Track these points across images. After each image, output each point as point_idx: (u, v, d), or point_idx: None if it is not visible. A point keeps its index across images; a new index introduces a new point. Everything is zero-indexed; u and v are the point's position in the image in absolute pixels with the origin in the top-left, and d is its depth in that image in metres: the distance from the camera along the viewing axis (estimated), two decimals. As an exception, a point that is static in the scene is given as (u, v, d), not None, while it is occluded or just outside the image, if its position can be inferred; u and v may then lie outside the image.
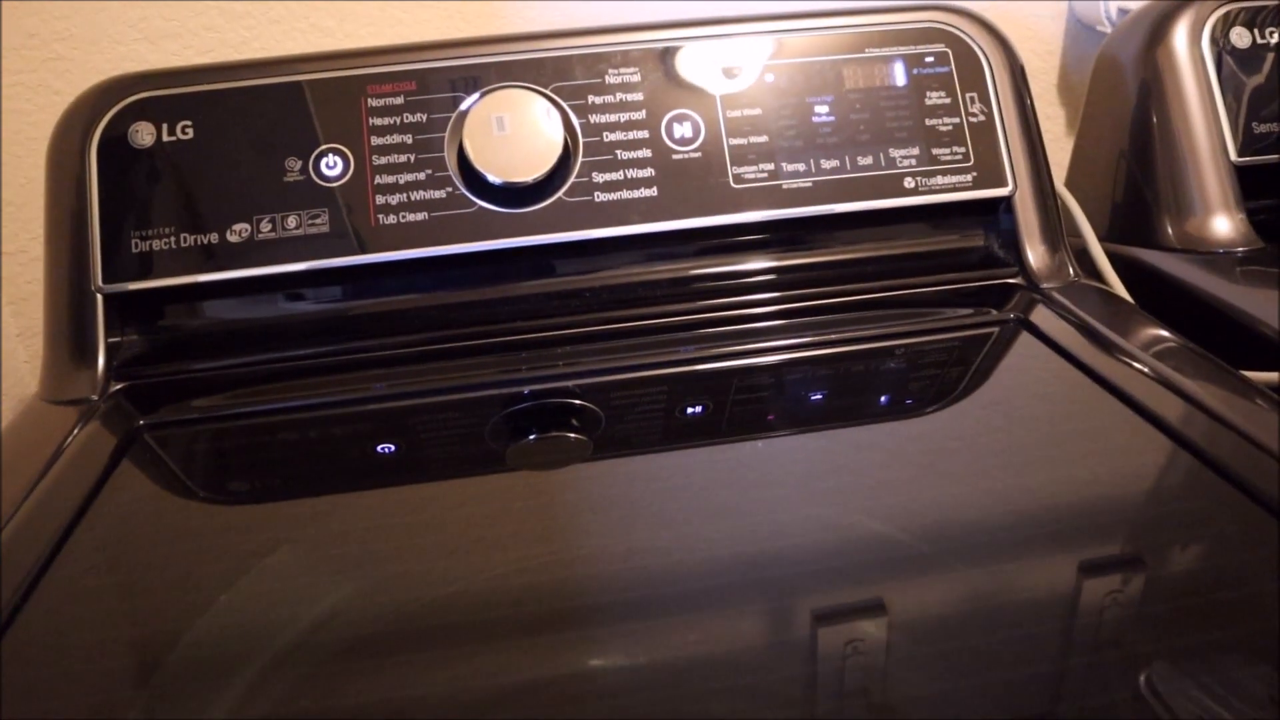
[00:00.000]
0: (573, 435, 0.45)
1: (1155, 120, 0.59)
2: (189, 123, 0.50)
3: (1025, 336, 0.48)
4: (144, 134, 0.50)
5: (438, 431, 0.47)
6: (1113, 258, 0.60)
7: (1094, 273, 0.57)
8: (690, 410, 0.45)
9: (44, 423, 0.46)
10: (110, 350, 0.49)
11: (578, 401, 0.47)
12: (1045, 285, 0.52)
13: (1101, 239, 0.63)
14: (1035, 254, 0.53)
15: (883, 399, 0.45)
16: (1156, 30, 0.59)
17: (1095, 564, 0.33)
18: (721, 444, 0.43)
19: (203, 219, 0.49)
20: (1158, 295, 0.57)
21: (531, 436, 0.45)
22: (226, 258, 0.49)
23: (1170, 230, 0.59)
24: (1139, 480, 0.37)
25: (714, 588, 0.34)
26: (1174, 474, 0.38)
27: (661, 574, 0.35)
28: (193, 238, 0.49)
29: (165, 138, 0.50)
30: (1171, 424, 0.39)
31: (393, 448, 0.46)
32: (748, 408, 0.46)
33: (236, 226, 0.49)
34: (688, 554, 0.36)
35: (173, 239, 0.49)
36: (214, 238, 0.49)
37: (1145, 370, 0.43)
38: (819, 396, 0.47)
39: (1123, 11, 0.65)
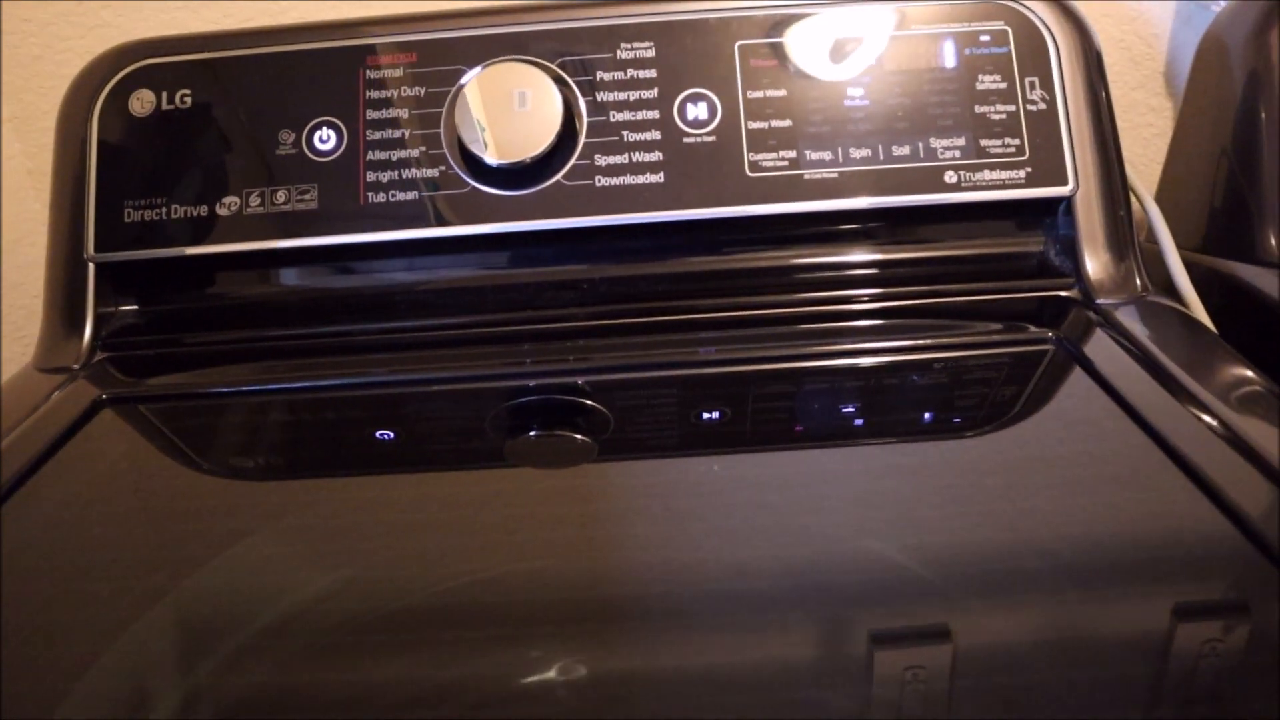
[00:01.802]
0: (578, 436, 0.42)
1: (1263, 115, 0.51)
2: (188, 91, 0.49)
3: (1066, 363, 0.41)
4: (144, 102, 0.49)
5: (420, 422, 0.44)
6: (1205, 271, 0.52)
7: (1174, 288, 0.49)
8: (703, 416, 0.42)
9: (25, 390, 0.46)
10: (99, 320, 0.49)
11: (581, 399, 0.44)
12: (1104, 301, 0.45)
13: (1194, 249, 0.55)
14: (1096, 263, 0.46)
15: (874, 424, 0.39)
16: (1271, 11, 0.51)
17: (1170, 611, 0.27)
18: (693, 458, 0.39)
19: (194, 190, 0.48)
20: (1252, 318, 0.49)
21: (531, 433, 0.42)
22: (214, 231, 0.48)
23: (1274, 243, 0.50)
24: (1175, 557, 0.31)
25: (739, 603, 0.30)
26: (1227, 559, 0.31)
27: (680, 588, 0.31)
28: (183, 209, 0.48)
29: (164, 106, 0.49)
30: (1231, 497, 0.32)
31: (366, 436, 0.43)
32: (747, 418, 0.42)
33: (226, 199, 0.48)
34: (706, 566, 0.32)
35: (164, 210, 0.48)
36: (204, 210, 0.48)
37: (1209, 422, 0.35)
38: (822, 411, 0.42)
39: (1239, -12, 0.57)
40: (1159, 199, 0.60)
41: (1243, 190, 0.53)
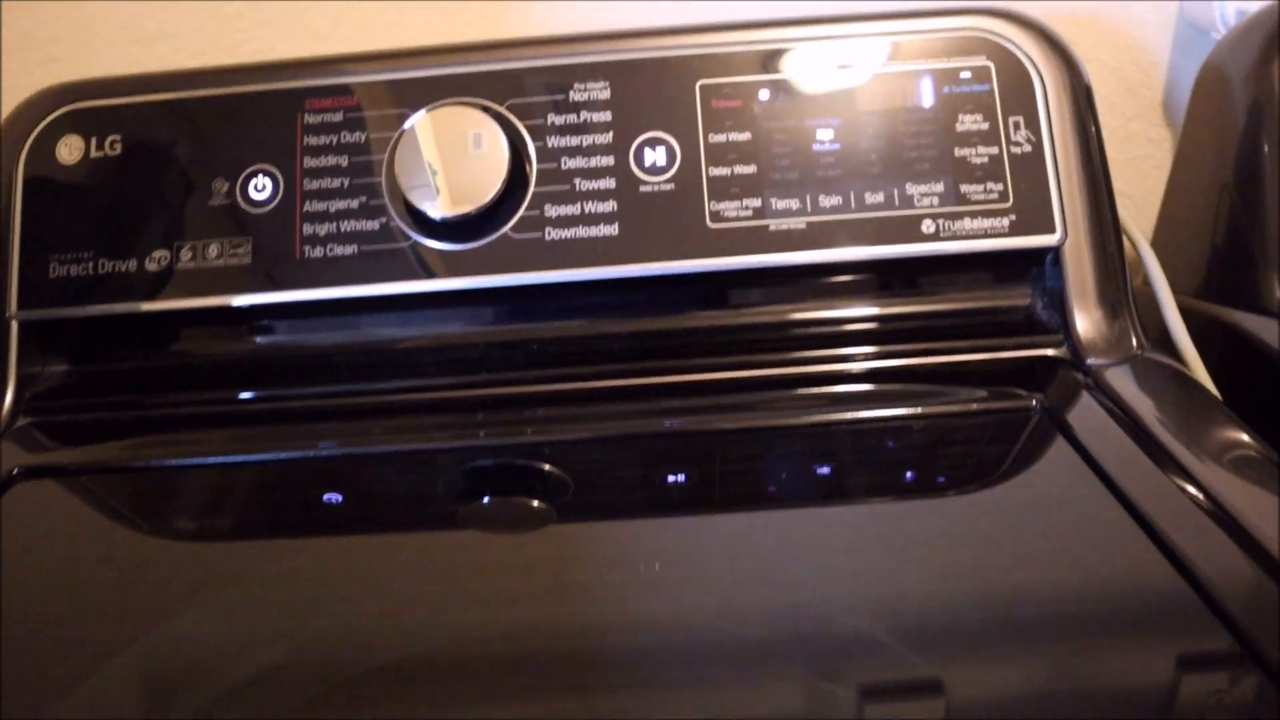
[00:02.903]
0: (535, 502, 0.39)
1: (1266, 150, 0.47)
2: (118, 137, 0.46)
3: (1048, 435, 0.38)
4: (73, 149, 0.46)
5: (362, 500, 0.41)
6: (1205, 319, 0.49)
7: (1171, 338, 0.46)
8: (668, 479, 0.39)
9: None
10: (22, 382, 0.46)
11: (540, 470, 0.41)
12: (1095, 361, 0.42)
13: (1194, 294, 0.51)
14: (1086, 320, 0.43)
15: (836, 492, 0.36)
16: (1274, 38, 0.47)
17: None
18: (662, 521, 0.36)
19: (123, 244, 0.45)
20: (1257, 373, 0.46)
21: (482, 499, 0.40)
22: (142, 288, 0.45)
23: (1278, 291, 0.47)
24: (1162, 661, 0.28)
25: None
26: (1204, 648, 0.28)
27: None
28: (111, 264, 0.45)
29: (93, 153, 0.46)
30: (1219, 588, 0.29)
31: (297, 518, 0.40)
32: (714, 484, 0.39)
33: (156, 254, 0.45)
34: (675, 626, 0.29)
35: (91, 264, 0.45)
36: (132, 265, 0.45)
37: (1202, 502, 0.32)
38: (786, 480, 0.39)
39: (1241, 14, 0.53)
40: (1156, 238, 0.56)
41: (1244, 231, 0.49)
